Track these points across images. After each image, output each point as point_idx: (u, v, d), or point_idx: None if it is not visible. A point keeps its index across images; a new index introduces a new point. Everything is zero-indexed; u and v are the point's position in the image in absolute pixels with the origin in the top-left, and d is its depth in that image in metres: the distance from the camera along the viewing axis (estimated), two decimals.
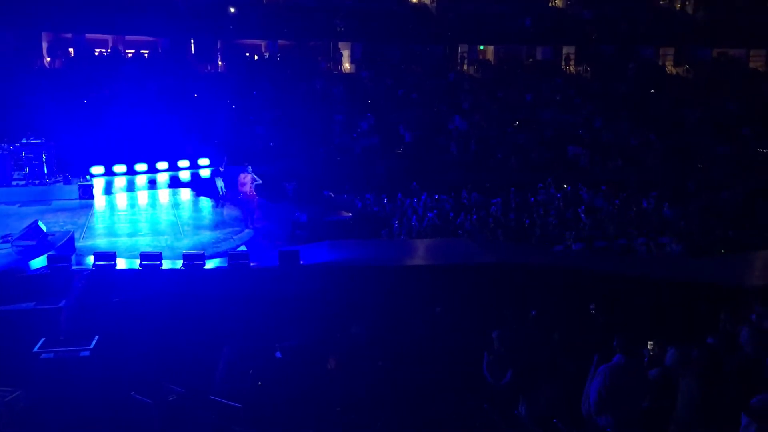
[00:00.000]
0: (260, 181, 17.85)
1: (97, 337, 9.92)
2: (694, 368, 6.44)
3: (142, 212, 19.12)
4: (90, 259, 12.90)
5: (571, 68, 34.79)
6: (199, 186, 21.83)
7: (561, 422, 6.32)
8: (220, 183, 21.09)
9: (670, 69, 34.90)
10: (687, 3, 37.06)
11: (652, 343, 7.92)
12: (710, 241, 17.02)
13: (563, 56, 35.25)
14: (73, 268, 12.56)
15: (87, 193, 19.75)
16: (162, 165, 22.63)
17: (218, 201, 20.06)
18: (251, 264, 12.84)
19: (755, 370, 5.97)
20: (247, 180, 17.60)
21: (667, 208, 19.39)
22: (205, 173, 23.02)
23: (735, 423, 5.14)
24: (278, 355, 9.80)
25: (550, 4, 36.37)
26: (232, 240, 16.05)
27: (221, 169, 21.53)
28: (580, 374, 7.03)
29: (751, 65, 35.34)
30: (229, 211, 18.75)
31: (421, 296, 12.29)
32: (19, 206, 18.25)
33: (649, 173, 24.14)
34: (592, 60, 34.07)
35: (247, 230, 16.99)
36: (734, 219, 18.78)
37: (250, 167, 18.01)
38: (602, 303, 11.61)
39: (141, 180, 22.26)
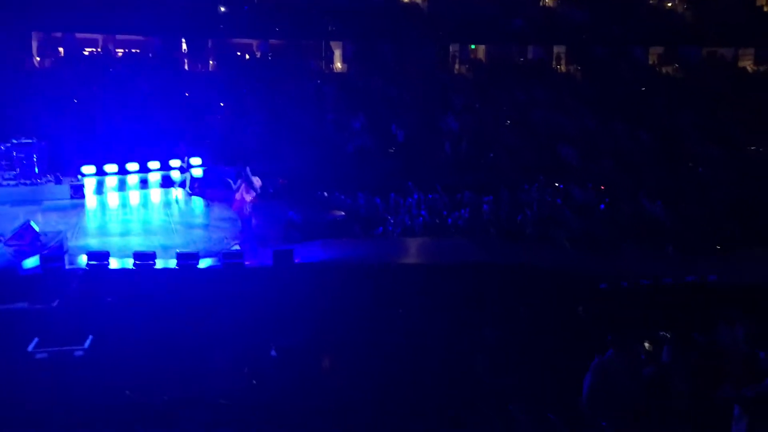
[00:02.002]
0: (260, 182, 17.77)
1: (91, 336, 9.92)
2: (688, 364, 6.51)
3: (134, 212, 19.08)
4: (83, 259, 12.88)
5: (563, 68, 34.90)
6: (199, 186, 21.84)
7: (555, 417, 6.38)
8: (188, 177, 21.14)
9: (661, 69, 35.05)
10: (676, 2, 37.22)
11: (647, 342, 7.99)
12: (701, 240, 17.14)
13: (554, 56, 35.34)
14: (66, 267, 12.54)
15: (78, 192, 19.69)
16: (153, 164, 22.55)
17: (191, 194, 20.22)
18: (245, 263, 12.86)
19: (748, 365, 6.04)
20: (258, 184, 17.42)
21: (659, 207, 19.50)
22: (197, 173, 22.95)
23: (728, 416, 5.22)
24: (273, 353, 9.84)
25: (541, 4, 36.43)
26: (225, 239, 16.04)
27: (184, 165, 21.43)
28: (574, 370, 7.08)
29: (740, 64, 35.53)
30: (221, 211, 18.74)
31: (414, 295, 12.35)
32: (10, 206, 18.15)
33: (640, 173, 24.25)
34: (584, 60, 34.18)
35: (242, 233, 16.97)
36: (724, 219, 18.92)
37: (248, 168, 17.87)
38: (593, 303, 11.70)
39: (132, 179, 22.18)
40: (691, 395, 6.47)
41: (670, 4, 37.26)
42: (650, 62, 35.54)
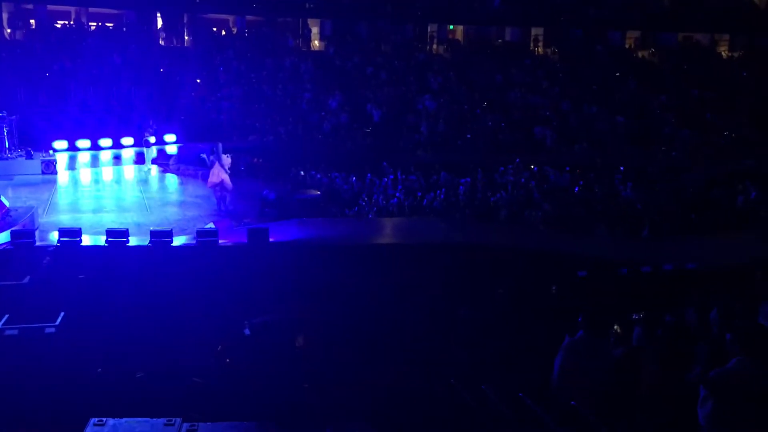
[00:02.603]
0: (229, 160, 17.72)
1: (63, 313, 9.81)
2: (657, 346, 6.61)
3: (106, 188, 18.85)
4: (54, 235, 12.72)
5: (540, 50, 34.97)
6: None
7: (528, 397, 6.45)
8: (151, 153, 20.98)
9: (637, 53, 35.27)
10: None
11: (617, 324, 8.09)
12: (672, 223, 17.38)
13: (532, 38, 35.38)
14: (37, 244, 12.37)
15: (50, 168, 19.42)
16: (127, 140, 22.27)
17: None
18: (220, 241, 12.79)
19: (719, 347, 6.14)
20: (228, 162, 17.40)
21: (630, 190, 19.71)
22: (171, 149, 22.72)
23: (696, 398, 5.31)
24: (246, 332, 9.82)
25: None
26: (200, 217, 15.94)
27: (149, 137, 21.22)
28: (547, 350, 7.17)
29: (715, 50, 35.86)
30: (196, 188, 18.59)
31: (388, 274, 12.38)
32: None
33: (614, 155, 24.47)
34: (561, 42, 34.27)
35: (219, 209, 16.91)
36: (695, 202, 19.18)
37: (220, 144, 17.81)
38: (565, 284, 11.83)
39: (105, 155, 21.89)
40: (661, 377, 6.57)
41: None
42: (627, 46, 35.74)
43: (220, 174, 16.96)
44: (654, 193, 19.75)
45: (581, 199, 19.15)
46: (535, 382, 7.16)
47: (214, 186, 17.12)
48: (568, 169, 21.66)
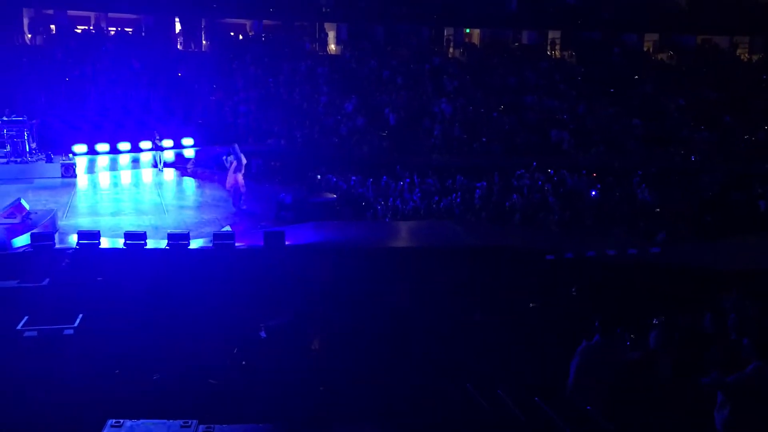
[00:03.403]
0: (245, 161, 17.86)
1: (81, 315, 9.91)
2: (674, 349, 6.57)
3: (125, 191, 19.02)
4: (73, 238, 12.85)
5: (557, 53, 34.85)
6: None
7: (543, 402, 6.43)
8: (159, 157, 21.13)
9: (655, 56, 35.06)
10: None
11: (634, 328, 8.05)
12: (689, 226, 17.25)
13: (549, 41, 35.27)
14: (57, 246, 12.51)
15: (69, 171, 19.60)
16: (145, 144, 22.45)
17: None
18: (236, 244, 12.86)
19: (735, 352, 6.11)
20: (244, 162, 17.62)
21: (647, 193, 19.59)
22: (189, 153, 22.90)
23: (712, 402, 5.28)
24: (262, 334, 9.87)
25: None
26: (216, 220, 16.04)
27: (158, 142, 21.37)
28: (562, 355, 7.15)
29: (734, 52, 35.53)
30: (213, 191, 18.70)
31: (404, 278, 12.39)
32: (1, 184, 18.08)
33: (631, 158, 24.33)
34: (578, 45, 34.13)
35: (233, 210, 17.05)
36: (712, 204, 19.03)
37: (237, 145, 17.99)
38: (584, 286, 11.77)
39: (124, 159, 22.10)
40: (677, 381, 6.54)
41: None
42: (645, 49, 35.53)
43: (237, 175, 17.18)
44: (671, 195, 19.61)
45: (598, 202, 19.06)
46: (551, 387, 7.14)
47: (232, 186, 17.37)
48: (584, 172, 21.57)
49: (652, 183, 20.43)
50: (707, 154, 24.91)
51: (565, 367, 7.06)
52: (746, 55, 35.38)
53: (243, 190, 17.38)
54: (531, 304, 11.26)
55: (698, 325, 7.90)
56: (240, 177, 17.36)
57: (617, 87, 30.21)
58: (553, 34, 35.17)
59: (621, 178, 21.18)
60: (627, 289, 11.54)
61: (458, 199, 18.76)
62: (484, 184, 19.95)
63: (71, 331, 9.61)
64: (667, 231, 16.48)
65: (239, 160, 17.47)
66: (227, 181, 17.57)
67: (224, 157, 18.03)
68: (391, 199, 18.79)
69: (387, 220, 17.63)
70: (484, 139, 25.94)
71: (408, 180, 20.32)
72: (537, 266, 12.93)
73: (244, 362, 8.94)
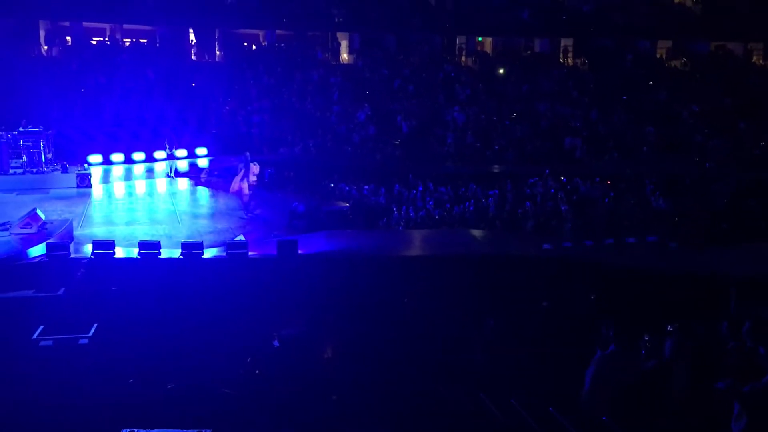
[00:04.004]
0: (258, 170, 18.07)
1: (96, 325, 9.98)
2: (688, 357, 6.52)
3: (139, 201, 19.15)
4: (88, 248, 12.94)
5: (569, 60, 34.78)
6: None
7: (557, 412, 6.40)
8: (171, 166, 21.27)
9: (669, 63, 34.91)
10: None
11: (648, 336, 7.99)
12: (703, 233, 17.12)
13: (561, 48, 35.22)
14: (72, 256, 12.60)
15: (85, 181, 19.76)
16: (159, 154, 22.60)
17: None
18: (249, 253, 12.91)
19: (751, 360, 6.05)
20: (256, 170, 17.84)
21: (661, 200, 19.48)
22: (203, 162, 23.05)
23: (728, 412, 5.23)
24: (276, 344, 9.89)
25: None
26: (230, 229, 16.11)
27: (169, 152, 21.52)
28: (577, 364, 7.11)
29: (749, 59, 35.32)
30: (227, 200, 18.79)
31: (417, 286, 12.38)
32: (17, 194, 18.26)
33: (645, 165, 24.20)
34: (590, 52, 34.06)
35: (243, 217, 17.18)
36: (727, 211, 18.88)
37: (248, 153, 18.17)
38: (599, 293, 11.72)
39: (139, 169, 22.26)
40: (692, 389, 6.48)
41: None
42: (658, 56, 35.40)
43: (241, 182, 17.52)
44: (685, 202, 19.48)
45: (611, 210, 18.96)
46: (565, 396, 7.10)
47: (236, 193, 17.56)
48: (598, 179, 21.48)
49: (665, 190, 20.29)
50: (721, 161, 24.73)
51: (579, 376, 7.02)
52: (761, 61, 35.15)
53: (246, 198, 17.60)
54: (544, 303, 11.23)
55: (714, 333, 7.82)
56: (245, 184, 17.66)
57: (630, 94, 30.09)
58: (565, 42, 35.11)
59: (634, 185, 21.07)
60: (641, 296, 11.48)
61: (471, 207, 18.73)
62: (497, 192, 19.92)
63: (86, 341, 9.68)
64: (682, 238, 16.36)
65: (247, 167, 17.69)
66: (231, 186, 17.87)
67: (239, 165, 18.22)
68: (404, 207, 18.80)
69: (400, 228, 17.62)
70: (496, 147, 25.92)
71: (421, 188, 20.32)
72: (551, 274, 12.88)
73: (257, 371, 8.97)
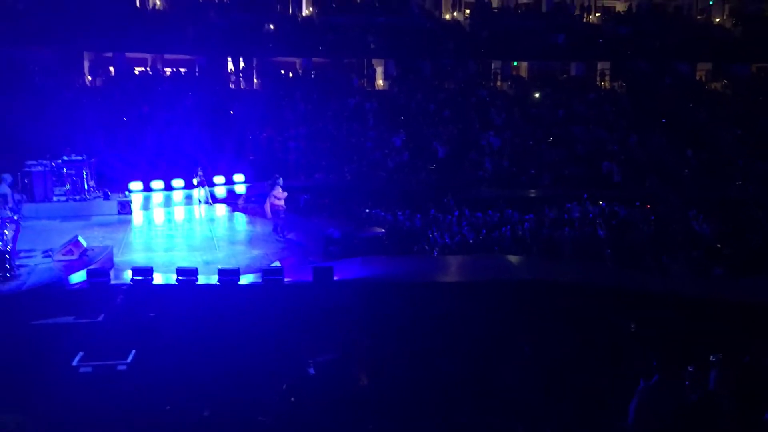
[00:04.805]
0: (285, 194, 18.26)
1: (134, 351, 10.07)
2: (733, 388, 6.34)
3: (178, 227, 19.40)
4: (128, 274, 13.11)
5: (606, 84, 34.54)
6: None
7: None
8: (203, 193, 21.51)
9: (709, 85, 34.44)
10: (725, 18, 36.62)
11: (694, 365, 7.77)
12: (746, 259, 16.70)
13: (598, 72, 35.02)
14: (112, 282, 12.78)
15: (125, 208, 20.10)
16: (195, 181, 22.91)
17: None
18: (285, 280, 12.94)
19: None
20: (282, 195, 17.99)
21: (705, 225, 19.08)
22: (240, 189, 23.32)
23: None
24: (311, 371, 9.86)
25: (584, 20, 36.20)
26: (266, 255, 16.20)
27: (200, 177, 21.79)
28: (616, 393, 6.96)
29: None
30: (263, 227, 18.94)
31: (453, 312, 12.26)
32: (60, 221, 18.64)
33: (685, 190, 23.78)
34: (628, 75, 33.78)
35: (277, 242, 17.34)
36: None
37: (281, 178, 18.35)
38: (639, 321, 11.47)
39: (178, 195, 22.60)
40: (740, 422, 6.29)
41: (718, 20, 36.68)
42: (698, 78, 34.98)
43: (264, 205, 18.07)
44: (728, 228, 19.04)
45: (652, 235, 18.62)
46: (604, 426, 6.94)
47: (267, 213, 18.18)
48: (638, 204, 21.14)
49: (708, 215, 19.88)
50: (764, 184, 24.21)
51: (620, 407, 6.86)
52: None
53: (274, 219, 17.92)
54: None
55: (760, 363, 7.59)
56: (267, 206, 18.00)
57: (669, 117, 29.71)
58: (602, 65, 34.92)
59: (676, 209, 20.69)
60: (685, 325, 11.20)
61: (508, 233, 18.56)
62: (533, 216, 19.72)
63: (124, 367, 9.77)
64: (726, 265, 15.97)
65: (270, 189, 18.05)
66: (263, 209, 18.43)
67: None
68: (439, 232, 18.71)
69: (435, 254, 17.52)
70: (532, 171, 25.75)
71: (456, 213, 20.22)
72: (590, 301, 12.65)
73: (292, 399, 8.94)
